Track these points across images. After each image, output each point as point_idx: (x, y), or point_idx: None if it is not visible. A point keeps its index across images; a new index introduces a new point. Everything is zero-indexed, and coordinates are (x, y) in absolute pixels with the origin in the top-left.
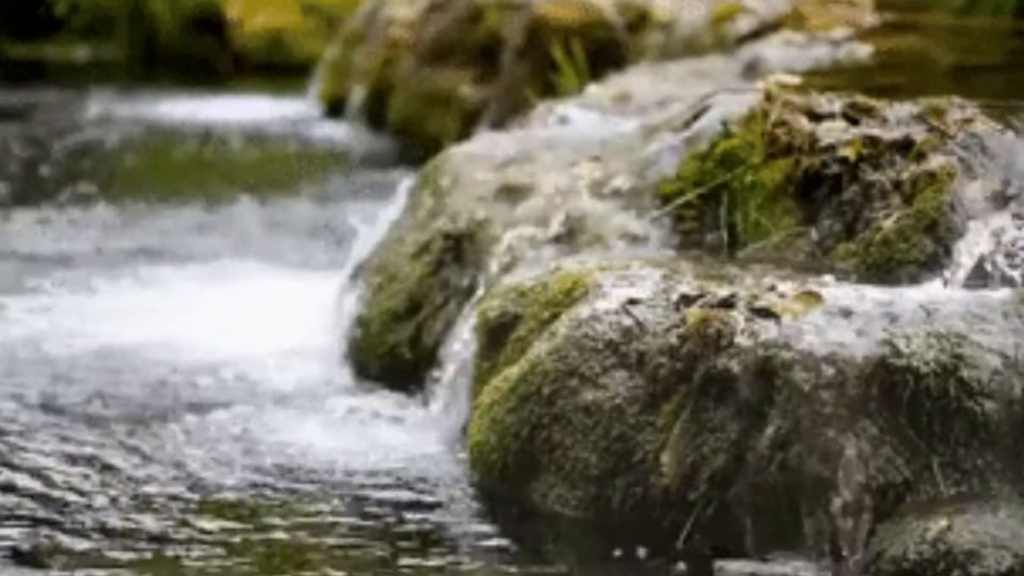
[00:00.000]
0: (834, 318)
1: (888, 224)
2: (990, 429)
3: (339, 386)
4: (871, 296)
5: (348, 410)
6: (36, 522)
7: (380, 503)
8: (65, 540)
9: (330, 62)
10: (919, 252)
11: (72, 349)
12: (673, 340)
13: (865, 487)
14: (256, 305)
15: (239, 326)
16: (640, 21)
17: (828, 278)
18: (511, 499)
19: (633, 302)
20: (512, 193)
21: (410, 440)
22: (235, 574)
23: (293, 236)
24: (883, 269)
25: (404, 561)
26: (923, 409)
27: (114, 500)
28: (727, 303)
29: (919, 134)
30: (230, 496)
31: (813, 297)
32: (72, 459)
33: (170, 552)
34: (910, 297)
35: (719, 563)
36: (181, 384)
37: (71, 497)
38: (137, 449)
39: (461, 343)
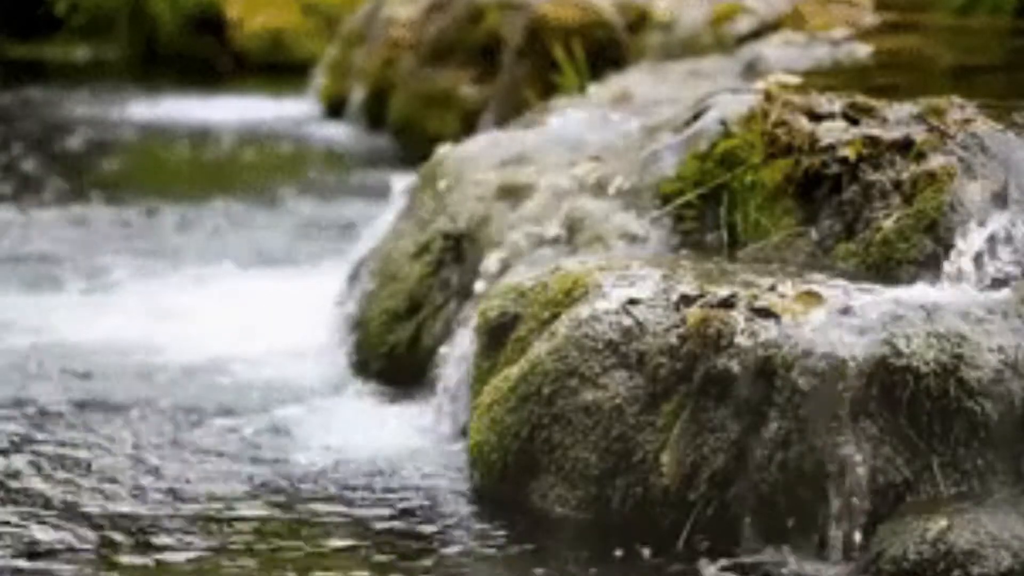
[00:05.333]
0: (834, 318)
1: (888, 224)
2: (990, 429)
3: (339, 385)
4: (871, 296)
5: (348, 409)
6: (37, 521)
7: (379, 503)
8: (66, 539)
9: (330, 62)
10: (919, 252)
11: (72, 348)
12: (673, 340)
13: (865, 487)
14: (255, 305)
15: (239, 326)
16: (640, 21)
17: (828, 278)
18: (511, 499)
19: (633, 302)
20: (512, 193)
21: (410, 440)
22: (233, 574)
23: (293, 236)
24: (883, 269)
25: (403, 561)
26: (923, 409)
27: (110, 500)
28: (727, 303)
29: (919, 134)
30: (228, 496)
31: (813, 297)
32: (69, 459)
33: (168, 551)
34: (910, 297)
35: (719, 563)
36: (179, 384)
37: (68, 497)
38: (134, 449)
39: (461, 343)
